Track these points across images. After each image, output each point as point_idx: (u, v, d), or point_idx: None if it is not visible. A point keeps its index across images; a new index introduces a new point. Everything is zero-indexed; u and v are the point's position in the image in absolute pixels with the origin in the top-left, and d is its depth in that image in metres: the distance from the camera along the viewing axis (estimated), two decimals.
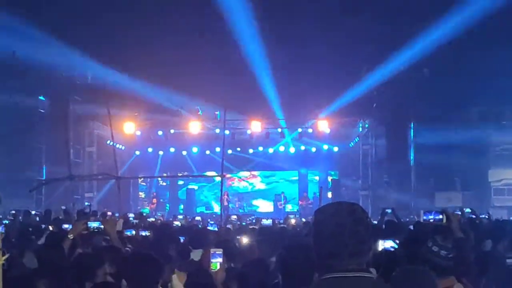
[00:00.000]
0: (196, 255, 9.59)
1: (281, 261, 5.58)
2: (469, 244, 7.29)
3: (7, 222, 16.72)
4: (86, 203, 32.04)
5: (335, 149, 40.15)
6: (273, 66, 30.68)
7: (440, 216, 6.95)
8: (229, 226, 17.62)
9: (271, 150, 40.70)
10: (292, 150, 40.36)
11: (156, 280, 5.92)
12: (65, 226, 11.43)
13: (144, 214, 25.21)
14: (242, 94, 32.12)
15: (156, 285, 5.94)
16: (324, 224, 3.41)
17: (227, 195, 39.47)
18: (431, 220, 7.15)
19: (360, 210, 3.49)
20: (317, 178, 42.38)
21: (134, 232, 11.94)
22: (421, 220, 7.55)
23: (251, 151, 40.72)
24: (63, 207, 26.16)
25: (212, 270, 6.75)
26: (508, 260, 8.91)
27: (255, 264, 7.65)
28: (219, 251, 6.84)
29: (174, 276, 7.71)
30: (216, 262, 6.76)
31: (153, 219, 23.16)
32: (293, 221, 20.27)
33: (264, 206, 41.51)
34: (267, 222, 17.70)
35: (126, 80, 32.66)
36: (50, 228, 13.33)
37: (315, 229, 3.52)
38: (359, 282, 3.33)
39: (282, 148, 40.11)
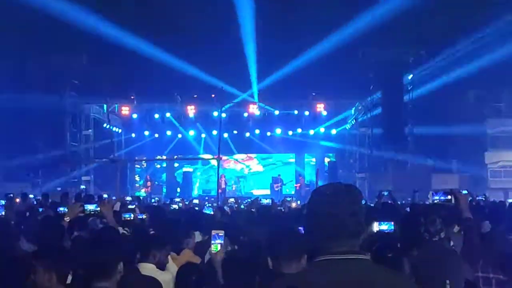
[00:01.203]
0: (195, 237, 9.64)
1: (269, 244, 5.59)
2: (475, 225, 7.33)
3: (3, 202, 16.64)
4: (82, 187, 32.06)
5: (333, 131, 40.14)
6: (270, 47, 30.55)
7: (449, 197, 6.96)
8: (226, 208, 17.60)
9: (268, 133, 40.66)
10: (289, 133, 40.36)
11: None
12: (61, 209, 11.34)
13: (141, 198, 25.22)
14: (238, 77, 32.11)
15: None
16: (321, 205, 3.37)
17: (224, 178, 39.47)
18: (439, 200, 7.17)
19: (357, 191, 3.46)
20: (314, 160, 42.38)
21: (132, 216, 11.94)
22: (430, 201, 7.56)
23: (247, 134, 40.67)
24: (59, 188, 26.14)
25: (213, 252, 6.75)
26: None
27: (249, 245, 7.63)
28: (221, 233, 6.84)
29: (169, 258, 7.72)
30: (217, 244, 6.76)
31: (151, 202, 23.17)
32: (293, 204, 20.30)
33: (261, 188, 41.49)
34: (266, 201, 17.68)
35: (123, 62, 32.56)
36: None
37: (311, 210, 3.48)
38: (357, 264, 3.31)
39: (279, 131, 40.07)
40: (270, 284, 3.61)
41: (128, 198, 20.59)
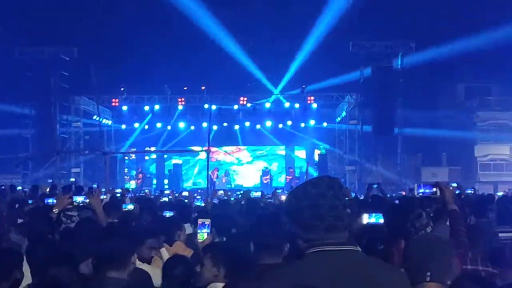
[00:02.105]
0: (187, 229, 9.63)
1: (253, 231, 5.61)
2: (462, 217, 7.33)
3: None
4: (71, 179, 31.97)
5: (324, 124, 40.16)
6: (259, 41, 30.59)
7: (434, 189, 6.97)
8: (215, 201, 17.58)
9: (258, 126, 40.63)
10: (279, 125, 40.35)
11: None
12: (49, 201, 11.25)
13: (130, 190, 25.17)
14: (228, 70, 32.15)
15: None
16: (322, 197, 3.39)
17: (217, 171, 39.54)
18: (424, 193, 7.17)
19: (340, 185, 3.49)
20: (304, 153, 42.39)
21: (133, 206, 11.96)
22: (415, 194, 7.58)
23: (237, 127, 40.67)
24: (50, 180, 26.09)
25: (199, 241, 6.74)
26: (501, 235, 8.97)
27: (239, 237, 7.59)
28: (207, 221, 6.82)
29: (163, 250, 7.72)
30: (203, 233, 6.74)
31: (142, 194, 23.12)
32: (283, 197, 20.25)
33: (251, 180, 41.48)
34: (256, 194, 17.65)
35: (113, 55, 32.60)
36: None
37: (293, 200, 3.49)
38: (347, 255, 3.32)
39: (269, 124, 40.04)
40: (259, 274, 3.61)
41: (118, 191, 20.53)
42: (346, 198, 3.52)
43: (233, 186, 39.97)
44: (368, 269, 3.29)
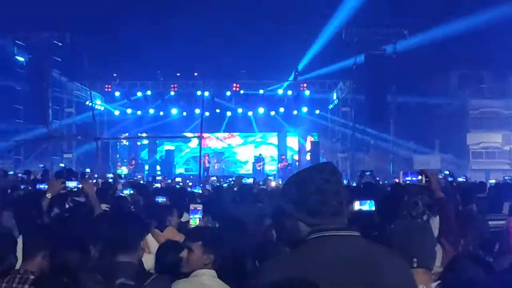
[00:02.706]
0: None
1: (275, 219, 5.62)
2: (450, 204, 7.34)
3: None
4: (61, 165, 31.89)
5: (317, 111, 40.19)
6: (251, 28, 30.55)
7: (419, 177, 6.98)
8: (208, 187, 17.60)
9: (250, 113, 40.63)
10: (272, 113, 40.34)
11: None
12: (41, 186, 11.16)
13: (122, 176, 25.12)
14: (221, 57, 32.09)
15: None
16: (309, 181, 3.43)
17: (208, 157, 39.47)
18: (410, 181, 7.18)
19: (340, 172, 3.56)
20: (296, 140, 42.38)
21: (132, 191, 11.98)
22: (401, 182, 7.58)
23: (229, 113, 40.67)
24: (41, 165, 26.05)
25: (192, 226, 6.73)
26: (491, 222, 9.01)
27: (231, 223, 7.58)
28: (199, 207, 6.82)
29: (148, 235, 7.73)
30: (196, 218, 6.73)
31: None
32: (273, 183, 20.26)
33: (243, 167, 41.52)
34: (248, 181, 17.66)
35: (106, 41, 32.51)
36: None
37: (296, 187, 3.52)
38: (351, 240, 3.36)
39: (261, 110, 40.02)
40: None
41: (110, 175, 20.54)
42: None
43: (225, 172, 40.00)
44: (370, 254, 3.33)
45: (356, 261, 3.25)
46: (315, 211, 3.38)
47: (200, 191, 14.60)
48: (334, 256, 3.27)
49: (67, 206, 9.78)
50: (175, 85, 37.01)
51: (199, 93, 36.44)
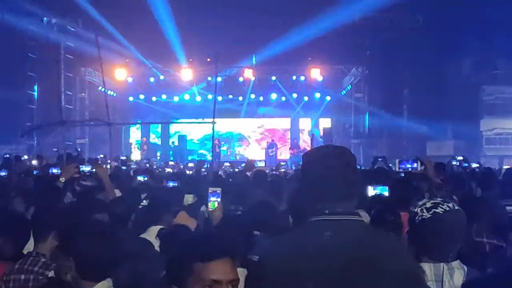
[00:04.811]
0: (187, 199, 9.66)
1: (290, 203, 5.63)
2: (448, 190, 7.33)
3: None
4: (78, 150, 31.97)
5: (328, 98, 40.10)
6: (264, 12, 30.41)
7: (415, 164, 6.97)
8: (220, 172, 17.64)
9: (261, 98, 40.58)
10: (283, 98, 40.30)
11: None
12: (54, 170, 11.07)
13: (134, 161, 25.20)
14: (234, 41, 32.00)
15: None
16: (312, 167, 3.42)
17: (218, 142, 39.47)
18: (406, 168, 7.18)
19: (349, 153, 3.50)
20: (309, 125, 42.30)
21: (147, 178, 12.09)
22: (397, 169, 7.58)
23: (240, 98, 40.62)
24: (55, 149, 26.09)
25: (210, 209, 6.71)
26: (508, 208, 8.97)
27: (260, 206, 7.50)
28: (218, 190, 6.77)
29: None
30: (214, 201, 6.69)
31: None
32: (282, 170, 20.30)
33: (256, 152, 41.48)
34: (260, 164, 17.62)
35: (117, 26, 32.51)
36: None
37: (302, 172, 3.52)
38: (348, 224, 3.34)
39: (274, 96, 39.99)
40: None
41: (123, 158, 20.63)
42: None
43: (237, 158, 40.01)
44: (368, 239, 3.32)
45: (352, 246, 3.23)
46: (318, 197, 3.38)
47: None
48: (329, 239, 3.26)
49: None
50: (189, 71, 36.95)
51: (209, 79, 36.39)
